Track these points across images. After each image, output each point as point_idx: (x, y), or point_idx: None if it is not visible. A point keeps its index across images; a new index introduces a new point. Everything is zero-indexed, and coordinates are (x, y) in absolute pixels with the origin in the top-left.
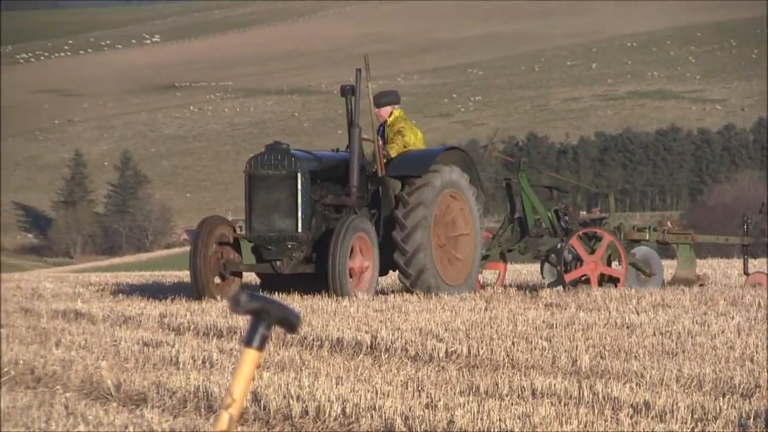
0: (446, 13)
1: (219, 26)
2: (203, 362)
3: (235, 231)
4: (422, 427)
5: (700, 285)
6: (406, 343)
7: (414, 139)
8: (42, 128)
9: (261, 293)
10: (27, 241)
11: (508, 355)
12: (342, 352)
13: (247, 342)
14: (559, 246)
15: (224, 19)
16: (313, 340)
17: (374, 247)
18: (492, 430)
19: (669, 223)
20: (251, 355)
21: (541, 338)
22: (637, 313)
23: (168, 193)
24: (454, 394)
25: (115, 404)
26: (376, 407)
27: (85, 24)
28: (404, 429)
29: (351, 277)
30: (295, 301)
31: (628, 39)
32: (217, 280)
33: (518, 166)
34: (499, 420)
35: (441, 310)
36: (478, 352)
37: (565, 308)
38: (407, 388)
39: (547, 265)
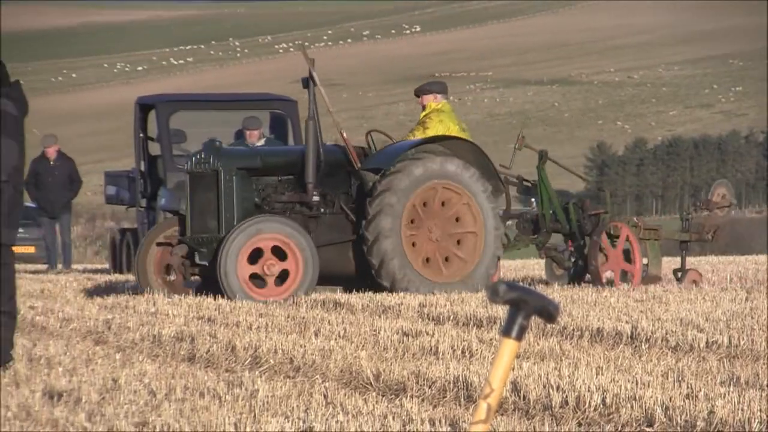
0: (703, 5)
1: (479, 17)
2: (462, 352)
3: None
4: (682, 417)
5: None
6: (666, 334)
7: (444, 133)
8: (302, 117)
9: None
10: None
11: None
12: (602, 342)
13: (506, 332)
14: (588, 239)
15: (484, 9)
16: (573, 330)
17: (303, 248)
18: (752, 420)
19: (635, 219)
20: (510, 345)
21: None
22: None
23: None
24: (715, 384)
25: (374, 394)
26: (636, 397)
27: (345, 14)
28: (664, 419)
29: (262, 280)
30: (554, 292)
31: None
32: (173, 277)
33: (540, 158)
34: (760, 411)
35: (702, 300)
36: (739, 342)
37: None
38: (667, 379)
39: (549, 263)
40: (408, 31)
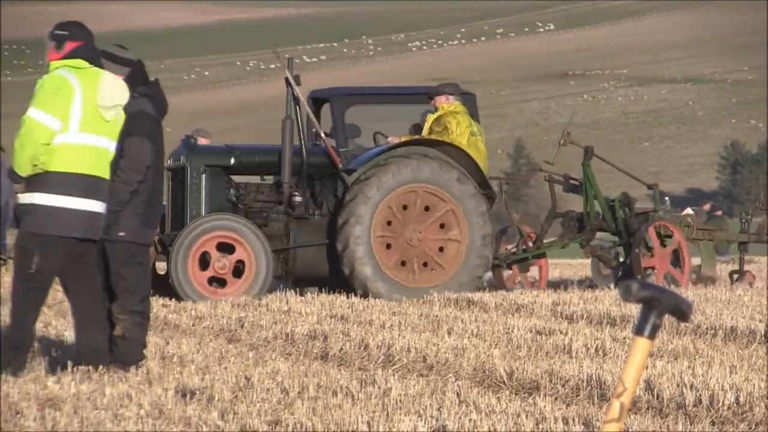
0: None
1: (613, 14)
2: (596, 351)
3: None
4: None
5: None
6: None
7: (460, 140)
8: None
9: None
10: None
11: None
12: (735, 340)
13: (639, 331)
14: (637, 231)
15: (617, 7)
16: (707, 328)
17: (257, 248)
18: None
19: (689, 219)
20: (643, 343)
21: None
22: None
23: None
24: None
25: (507, 392)
26: None
27: (479, 12)
28: None
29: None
30: (687, 291)
31: None
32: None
33: (585, 155)
34: None
35: None
36: None
37: None
38: None
39: (595, 263)
40: (541, 29)
